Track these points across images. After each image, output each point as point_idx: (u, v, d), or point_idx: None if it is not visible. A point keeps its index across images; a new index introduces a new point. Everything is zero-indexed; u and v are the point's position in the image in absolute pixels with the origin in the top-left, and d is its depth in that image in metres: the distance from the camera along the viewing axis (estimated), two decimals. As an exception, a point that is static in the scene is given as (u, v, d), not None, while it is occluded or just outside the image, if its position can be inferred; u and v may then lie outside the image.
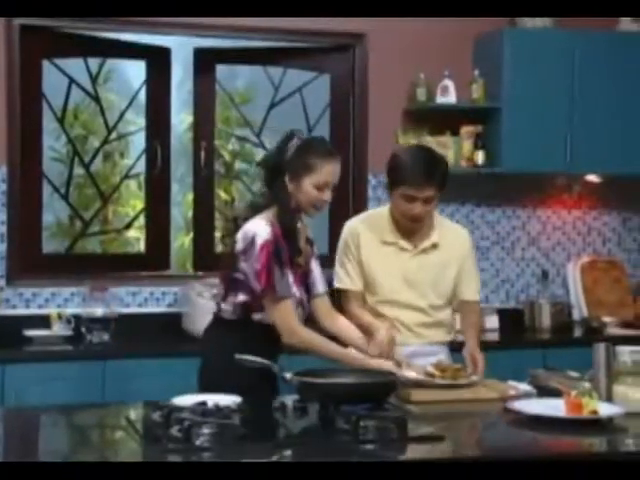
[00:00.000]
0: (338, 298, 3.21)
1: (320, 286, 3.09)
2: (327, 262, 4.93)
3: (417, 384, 2.87)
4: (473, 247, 3.32)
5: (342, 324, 3.09)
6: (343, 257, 3.24)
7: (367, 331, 3.07)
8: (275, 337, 2.93)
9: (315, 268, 3.09)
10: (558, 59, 4.74)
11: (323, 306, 3.08)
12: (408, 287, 3.19)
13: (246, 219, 2.95)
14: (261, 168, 3.06)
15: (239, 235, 2.92)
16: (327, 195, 2.92)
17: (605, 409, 2.66)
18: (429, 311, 3.22)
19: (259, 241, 2.86)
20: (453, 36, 4.85)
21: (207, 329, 3.08)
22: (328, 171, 2.90)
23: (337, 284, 3.24)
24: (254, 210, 2.98)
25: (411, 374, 2.87)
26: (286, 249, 2.91)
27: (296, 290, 2.95)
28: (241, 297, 2.93)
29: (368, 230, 3.21)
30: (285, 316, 2.88)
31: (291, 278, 2.93)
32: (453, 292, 3.26)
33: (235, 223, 3.00)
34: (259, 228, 2.89)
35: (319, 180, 2.89)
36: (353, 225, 3.26)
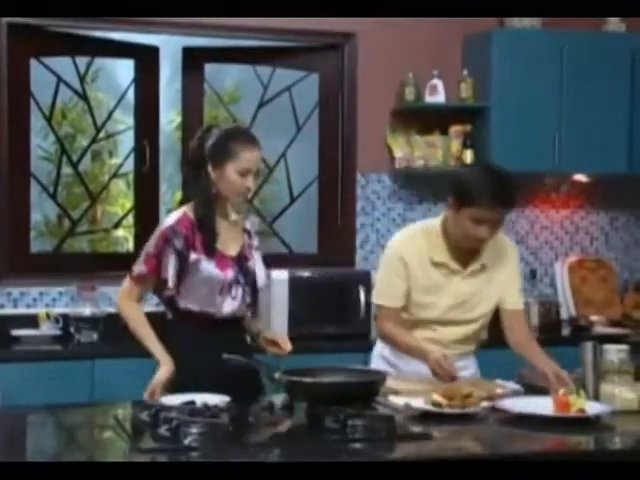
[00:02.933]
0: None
1: (263, 279, 3.11)
2: (316, 261, 4.95)
3: (424, 414, 2.68)
4: (518, 259, 3.19)
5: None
6: (388, 274, 3.10)
7: (413, 354, 3.01)
8: (211, 326, 2.95)
9: (257, 261, 3.09)
10: (546, 59, 4.75)
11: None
12: (455, 308, 3.10)
13: (169, 213, 3.05)
14: (184, 161, 3.10)
15: None
16: (249, 182, 2.94)
17: (592, 408, 2.67)
18: (467, 326, 3.13)
19: (159, 228, 2.97)
20: (442, 36, 4.86)
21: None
22: (249, 158, 2.93)
23: (378, 300, 3.13)
24: (179, 205, 3.05)
25: (418, 404, 2.71)
26: (199, 237, 2.94)
27: (219, 272, 2.95)
28: (166, 292, 2.98)
29: (416, 250, 3.06)
30: (131, 290, 3.01)
31: (211, 263, 2.94)
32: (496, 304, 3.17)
33: None
34: (167, 219, 2.98)
35: (242, 166, 2.92)
36: (399, 246, 3.10)
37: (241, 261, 3.03)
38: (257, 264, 3.09)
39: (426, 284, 3.07)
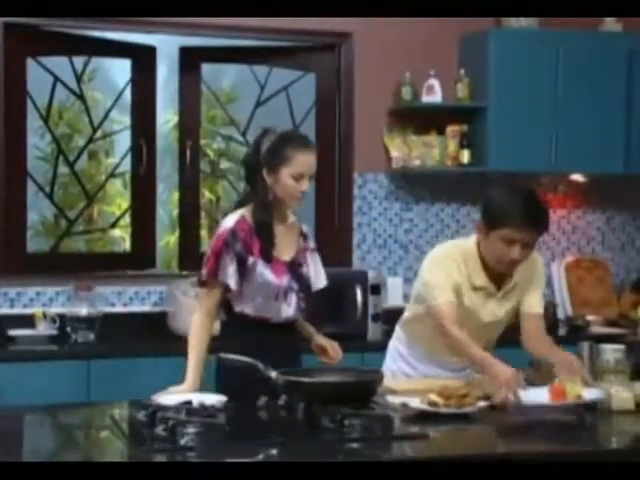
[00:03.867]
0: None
1: (321, 280, 3.11)
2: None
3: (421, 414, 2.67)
4: (542, 265, 3.16)
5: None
6: (438, 271, 3.01)
7: (479, 366, 2.92)
8: (265, 328, 2.95)
9: (312, 262, 3.09)
10: (543, 59, 4.76)
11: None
12: (485, 326, 3.08)
13: (225, 216, 3.03)
14: (242, 166, 3.13)
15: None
16: (304, 185, 2.95)
17: (589, 393, 2.68)
18: (493, 335, 3.14)
19: (218, 231, 2.95)
20: (439, 36, 4.86)
21: None
22: (304, 162, 2.94)
23: (437, 299, 2.98)
24: (235, 207, 3.04)
25: (415, 404, 2.69)
26: (257, 242, 2.93)
27: (275, 279, 2.95)
28: (227, 295, 2.97)
29: (459, 273, 3.01)
30: (201, 300, 2.97)
31: (268, 269, 2.94)
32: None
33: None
34: (225, 221, 2.97)
35: (296, 171, 2.93)
36: (445, 254, 3.05)
37: (294, 267, 3.02)
38: (315, 266, 3.09)
39: (465, 305, 3.03)
